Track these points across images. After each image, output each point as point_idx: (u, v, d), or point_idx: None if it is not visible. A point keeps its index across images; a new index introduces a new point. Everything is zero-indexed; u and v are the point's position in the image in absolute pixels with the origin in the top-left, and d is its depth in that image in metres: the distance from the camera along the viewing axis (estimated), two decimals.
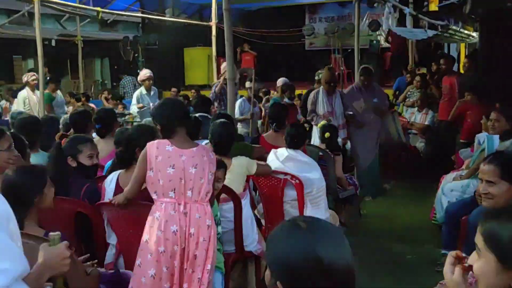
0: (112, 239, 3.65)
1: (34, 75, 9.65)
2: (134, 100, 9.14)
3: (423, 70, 13.08)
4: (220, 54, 11.97)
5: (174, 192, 3.30)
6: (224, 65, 8.45)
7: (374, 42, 15.81)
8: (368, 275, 4.96)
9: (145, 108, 8.79)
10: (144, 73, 9.25)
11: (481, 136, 5.76)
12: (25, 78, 9.67)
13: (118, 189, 3.69)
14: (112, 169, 4.00)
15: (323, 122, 6.88)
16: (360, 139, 7.53)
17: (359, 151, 7.55)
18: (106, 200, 3.68)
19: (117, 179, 3.76)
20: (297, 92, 12.20)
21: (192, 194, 3.32)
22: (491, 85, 7.70)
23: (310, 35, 16.58)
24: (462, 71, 10.33)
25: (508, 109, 5.73)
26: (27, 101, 9.40)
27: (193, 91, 12.77)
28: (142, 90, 9.11)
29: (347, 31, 14.56)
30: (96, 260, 3.14)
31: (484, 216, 1.78)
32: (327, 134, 6.11)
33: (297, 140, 4.87)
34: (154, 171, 3.32)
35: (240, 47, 16.67)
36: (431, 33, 9.57)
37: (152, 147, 3.35)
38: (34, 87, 9.55)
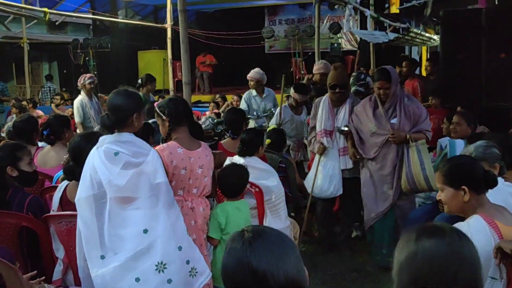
0: (60, 253, 3.58)
1: (91, 77, 8.67)
2: (243, 104, 8.18)
3: None
4: (176, 58, 11.92)
5: (183, 190, 3.66)
6: (316, 65, 7.45)
7: (335, 45, 16.05)
8: (331, 285, 5.02)
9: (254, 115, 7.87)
10: (252, 74, 8.35)
11: (443, 141, 5.88)
12: (80, 81, 8.59)
13: (64, 200, 3.67)
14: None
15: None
16: (366, 178, 5.34)
17: (365, 197, 5.36)
18: (53, 211, 3.64)
19: (65, 189, 3.70)
20: None
21: (197, 191, 3.73)
22: (453, 88, 7.89)
23: (270, 37, 16.72)
24: (424, 74, 10.56)
25: (470, 112, 5.87)
26: (87, 109, 8.34)
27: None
28: (251, 92, 8.21)
29: (308, 34, 14.77)
30: (43, 277, 3.08)
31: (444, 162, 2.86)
32: (268, 141, 5.67)
33: (248, 147, 4.79)
34: (169, 175, 3.51)
35: (203, 53, 16.62)
36: (392, 35, 9.77)
37: (164, 152, 3.55)
38: (91, 92, 8.57)
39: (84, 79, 8.52)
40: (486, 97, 7.76)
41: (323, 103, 5.64)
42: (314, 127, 5.73)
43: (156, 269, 3.08)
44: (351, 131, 5.41)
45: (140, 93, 8.12)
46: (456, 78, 8.02)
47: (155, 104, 3.90)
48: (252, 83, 8.15)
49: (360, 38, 12.54)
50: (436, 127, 7.29)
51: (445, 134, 6.28)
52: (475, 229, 2.56)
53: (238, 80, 17.65)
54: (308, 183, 5.67)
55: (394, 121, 5.09)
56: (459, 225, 2.65)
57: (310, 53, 13.58)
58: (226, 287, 1.60)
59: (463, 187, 2.73)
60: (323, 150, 5.51)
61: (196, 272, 3.26)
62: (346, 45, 17.13)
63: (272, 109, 7.70)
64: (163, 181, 3.21)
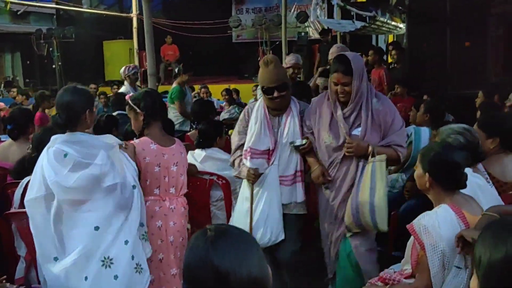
0: (22, 251, 3.51)
1: (135, 67, 8.26)
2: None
3: None
4: (143, 48, 11.79)
5: (159, 189, 3.56)
6: (331, 50, 6.50)
7: (302, 34, 16.04)
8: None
9: None
10: (289, 59, 7.30)
11: (409, 129, 5.92)
12: (124, 72, 8.13)
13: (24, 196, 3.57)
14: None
15: None
16: (322, 212, 3.89)
17: (323, 238, 3.94)
18: (14, 208, 3.57)
19: (26, 186, 3.62)
20: (223, 86, 12.23)
21: (175, 191, 3.64)
22: (419, 77, 7.98)
23: (237, 26, 16.64)
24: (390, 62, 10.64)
25: (431, 101, 5.96)
26: None
27: (114, 87, 12.51)
28: None
29: (275, 23, 14.74)
30: (5, 276, 3.01)
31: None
32: (231, 131, 5.46)
33: (205, 138, 4.75)
34: (142, 172, 3.45)
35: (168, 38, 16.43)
36: (359, 24, 9.82)
37: (137, 149, 3.45)
38: (135, 83, 8.13)
39: (128, 70, 8.17)
40: (451, 85, 7.88)
41: (256, 111, 3.93)
42: (239, 146, 3.99)
43: (103, 265, 3.02)
44: (312, 144, 3.81)
45: (175, 84, 7.73)
46: (422, 66, 8.12)
47: (127, 96, 3.77)
48: (295, 70, 7.12)
49: (320, 41, 12.57)
50: (403, 115, 7.35)
51: (411, 122, 6.35)
52: (443, 218, 2.59)
53: (206, 70, 17.60)
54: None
55: (356, 132, 3.64)
56: (427, 214, 2.67)
57: (277, 42, 13.54)
58: (187, 284, 1.59)
59: (427, 174, 2.76)
60: (255, 177, 3.78)
61: (142, 269, 3.19)
62: (313, 34, 17.13)
63: None
64: (117, 183, 3.08)
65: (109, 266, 3.03)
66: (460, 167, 2.78)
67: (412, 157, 5.18)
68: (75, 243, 2.99)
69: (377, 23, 10.53)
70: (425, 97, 6.98)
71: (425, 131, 5.32)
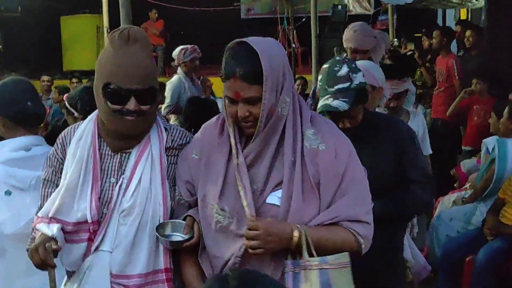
0: None
1: (195, 50, 8.10)
2: None
3: (411, 47, 13.37)
4: (115, 26, 11.84)
5: None
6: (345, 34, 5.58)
7: (339, 7, 16.00)
8: None
9: None
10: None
11: (490, 142, 5.89)
12: (179, 56, 8.04)
13: None
14: None
15: None
16: None
17: None
18: None
19: None
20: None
21: None
22: (504, 68, 7.94)
23: None
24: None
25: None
26: (185, 96, 7.47)
27: (74, 80, 12.55)
28: None
29: None
30: None
31: None
32: None
33: None
34: None
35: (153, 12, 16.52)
36: None
37: None
38: (193, 72, 8.03)
39: (184, 54, 7.95)
40: None
41: (77, 141, 2.72)
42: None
43: None
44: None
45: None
46: (507, 53, 8.06)
47: (65, 96, 3.80)
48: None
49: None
50: (482, 122, 7.32)
51: (492, 132, 6.31)
52: None
53: (203, 56, 17.62)
54: None
55: (273, 198, 2.52)
56: None
57: (304, 19, 13.55)
58: None
59: None
60: (46, 257, 2.48)
61: None
62: (355, 8, 17.11)
63: None
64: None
65: None
66: None
67: (496, 180, 5.16)
68: None
69: None
70: (511, 96, 6.95)
71: None
